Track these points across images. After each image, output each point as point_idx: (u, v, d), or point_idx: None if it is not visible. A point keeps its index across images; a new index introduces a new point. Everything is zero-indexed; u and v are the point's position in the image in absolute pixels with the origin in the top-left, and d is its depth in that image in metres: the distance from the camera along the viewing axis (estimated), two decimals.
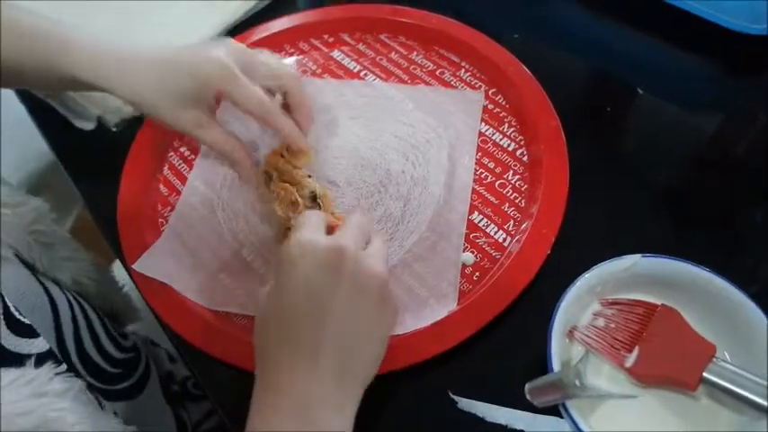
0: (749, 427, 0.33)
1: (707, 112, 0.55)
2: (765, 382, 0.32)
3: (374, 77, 0.57)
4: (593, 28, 0.60)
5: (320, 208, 0.42)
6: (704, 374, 0.33)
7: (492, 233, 0.45)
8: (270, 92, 0.44)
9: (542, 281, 0.42)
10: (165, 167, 0.54)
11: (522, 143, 0.50)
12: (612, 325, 0.37)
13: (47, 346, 0.38)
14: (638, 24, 0.58)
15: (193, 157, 0.54)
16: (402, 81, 0.56)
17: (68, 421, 0.35)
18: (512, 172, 0.49)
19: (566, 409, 0.33)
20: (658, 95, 0.54)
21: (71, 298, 0.48)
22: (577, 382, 0.33)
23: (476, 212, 0.47)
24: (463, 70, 0.56)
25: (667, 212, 0.47)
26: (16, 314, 0.38)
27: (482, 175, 0.49)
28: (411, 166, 0.49)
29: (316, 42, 0.61)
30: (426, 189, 0.48)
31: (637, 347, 0.35)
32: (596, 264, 0.37)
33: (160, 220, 0.50)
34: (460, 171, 0.49)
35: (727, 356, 0.36)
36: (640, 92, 0.54)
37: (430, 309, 0.42)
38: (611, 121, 0.53)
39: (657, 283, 0.37)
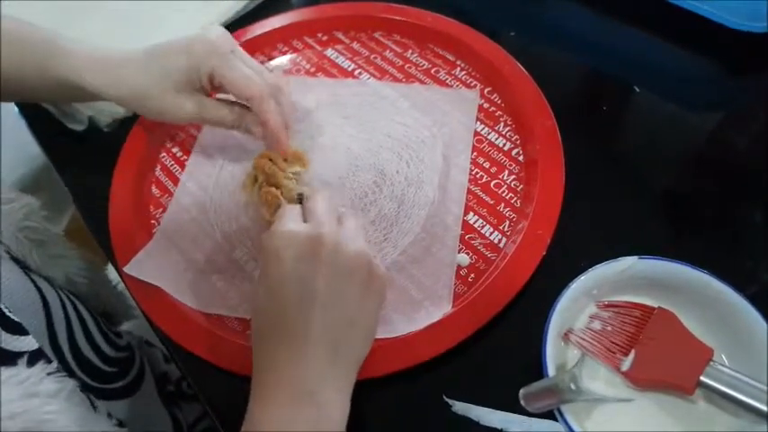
0: (747, 430, 0.33)
1: (705, 112, 0.54)
2: (763, 386, 0.31)
3: (368, 76, 0.56)
4: (589, 26, 0.60)
5: None
6: (701, 378, 0.33)
7: (487, 234, 0.45)
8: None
9: (538, 283, 0.41)
10: (158, 168, 0.53)
11: (517, 142, 0.50)
12: (609, 328, 0.36)
13: (36, 345, 0.38)
14: (636, 22, 0.58)
15: (185, 158, 0.53)
16: (397, 80, 0.56)
17: (60, 423, 0.34)
18: (507, 172, 0.48)
19: (561, 414, 0.32)
20: (656, 94, 0.53)
21: (63, 296, 0.48)
22: (573, 386, 0.33)
23: (471, 213, 0.46)
24: (458, 69, 0.56)
25: (665, 213, 0.46)
26: (6, 311, 0.37)
27: (477, 175, 0.48)
28: (405, 166, 0.49)
29: (309, 41, 0.60)
30: (421, 189, 0.47)
31: (633, 351, 0.35)
32: (593, 265, 0.36)
33: (152, 221, 0.50)
34: (455, 171, 0.48)
35: (725, 360, 0.35)
36: (637, 90, 0.53)
37: (424, 311, 0.41)
38: (608, 121, 0.53)
39: (654, 286, 0.37)
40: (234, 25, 0.62)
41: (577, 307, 0.37)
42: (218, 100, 0.47)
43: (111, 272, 0.65)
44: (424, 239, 0.45)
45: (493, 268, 0.43)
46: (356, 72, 0.57)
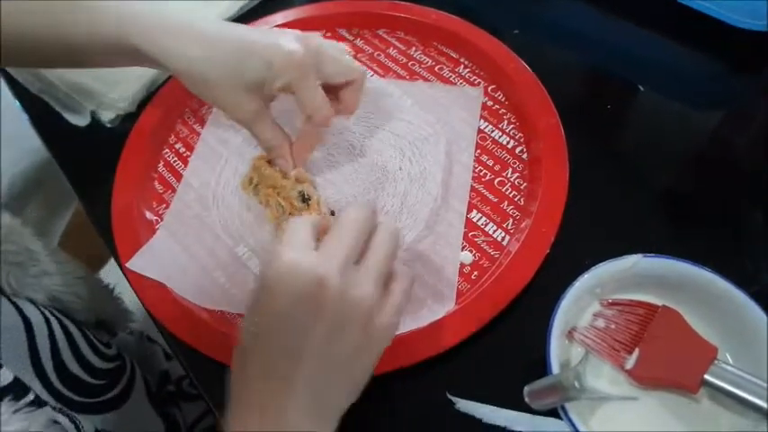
0: (751, 429, 0.33)
1: (708, 110, 0.54)
2: (767, 385, 0.31)
3: (372, 73, 0.56)
4: (593, 24, 0.59)
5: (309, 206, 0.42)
6: (705, 377, 0.33)
7: (491, 232, 0.45)
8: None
9: (541, 280, 0.41)
10: (161, 164, 0.53)
11: (521, 140, 0.50)
12: (613, 326, 0.36)
13: (10, 377, 0.37)
14: (639, 20, 0.58)
15: (189, 153, 0.53)
16: (400, 77, 0.56)
17: None
18: (511, 170, 0.48)
19: (565, 412, 0.32)
20: (659, 92, 0.53)
21: (48, 314, 0.47)
22: (577, 384, 0.33)
23: (474, 211, 0.46)
24: (462, 66, 0.56)
25: (669, 211, 0.46)
26: None
27: (481, 173, 0.48)
28: (408, 164, 0.49)
29: None
30: (424, 187, 0.47)
31: (637, 349, 0.35)
32: (596, 263, 0.36)
33: (155, 217, 0.49)
34: (459, 168, 0.48)
35: (729, 358, 0.35)
36: (641, 89, 0.53)
37: (428, 309, 0.41)
38: (612, 119, 0.53)
39: (658, 284, 0.37)
40: (237, 22, 0.62)
41: (581, 305, 0.37)
42: (272, 121, 0.45)
43: (108, 275, 0.65)
44: (427, 237, 0.45)
45: (496, 266, 0.43)
46: None
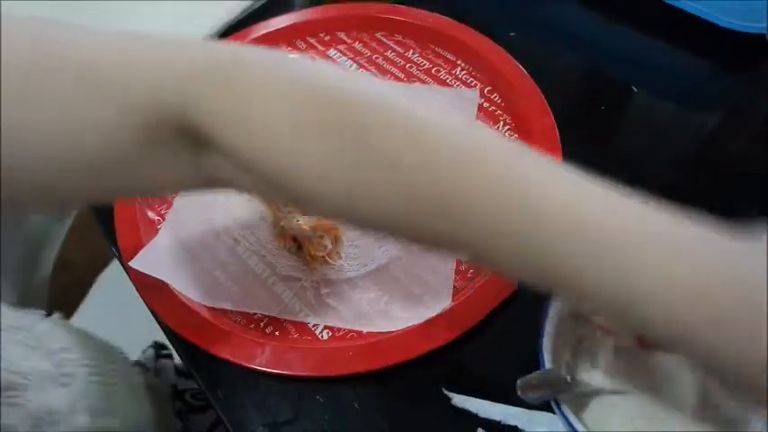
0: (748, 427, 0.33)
1: (703, 111, 0.55)
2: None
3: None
4: (588, 26, 0.60)
5: None
6: None
7: None
8: None
9: None
10: None
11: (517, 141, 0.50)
12: None
13: None
14: (635, 23, 0.58)
15: None
16: (398, 79, 0.56)
17: None
18: None
19: (558, 406, 0.33)
20: (654, 94, 0.54)
21: None
22: (569, 378, 0.33)
23: None
24: (459, 68, 0.56)
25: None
26: None
27: None
28: None
29: (312, 41, 0.61)
30: None
31: None
32: None
33: (157, 217, 0.50)
34: None
35: None
36: (636, 90, 0.54)
37: (424, 305, 0.42)
38: (607, 120, 0.53)
39: None
40: (237, 25, 0.63)
41: None
42: None
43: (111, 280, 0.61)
44: None
45: None
46: (358, 72, 0.58)
